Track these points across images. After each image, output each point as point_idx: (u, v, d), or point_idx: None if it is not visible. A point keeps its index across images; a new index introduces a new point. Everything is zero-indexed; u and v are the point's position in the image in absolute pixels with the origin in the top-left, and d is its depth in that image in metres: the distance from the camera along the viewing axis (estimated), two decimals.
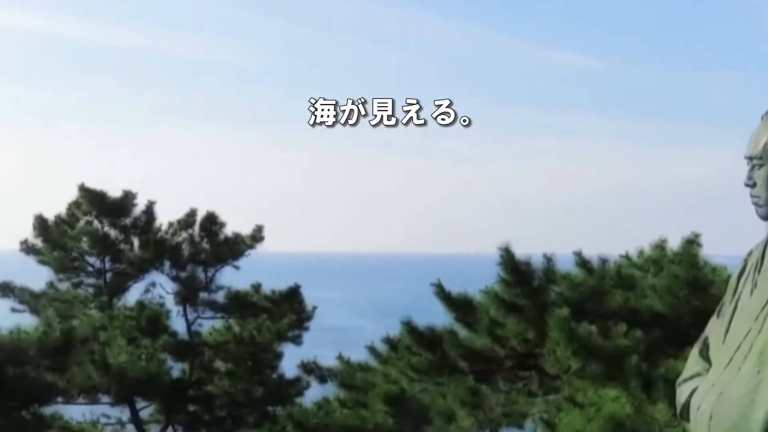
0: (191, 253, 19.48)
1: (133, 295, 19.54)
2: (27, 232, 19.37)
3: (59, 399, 15.87)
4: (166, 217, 19.79)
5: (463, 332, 11.49)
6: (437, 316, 11.76)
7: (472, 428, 11.07)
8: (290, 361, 19.58)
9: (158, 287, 19.46)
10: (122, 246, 19.47)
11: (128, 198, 19.31)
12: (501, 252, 10.82)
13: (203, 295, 19.40)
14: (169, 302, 19.16)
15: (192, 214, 19.67)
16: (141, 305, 18.47)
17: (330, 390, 15.41)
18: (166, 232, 19.61)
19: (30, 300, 19.63)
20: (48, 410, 15.84)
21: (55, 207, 19.62)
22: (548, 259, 11.11)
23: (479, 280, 11.73)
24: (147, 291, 19.47)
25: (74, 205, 19.37)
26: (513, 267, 10.80)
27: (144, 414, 18.55)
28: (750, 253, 2.91)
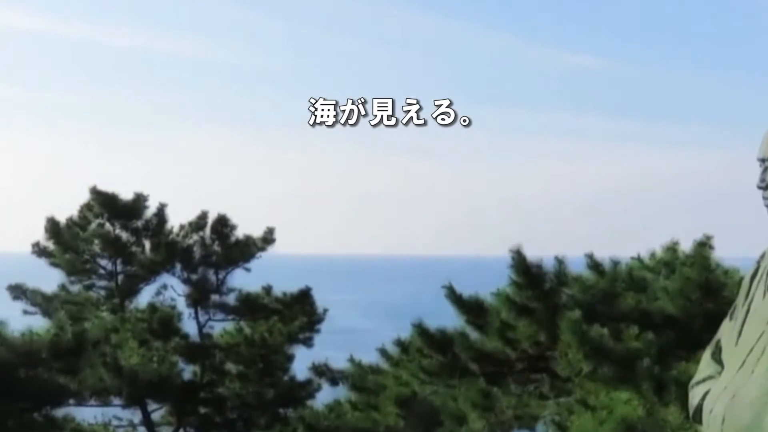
0: (202, 255, 19.54)
1: (145, 297, 19.64)
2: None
3: (71, 401, 15.93)
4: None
5: (474, 335, 11.47)
6: (447, 318, 11.75)
7: (483, 431, 11.05)
8: (301, 363, 19.58)
9: (170, 289, 19.55)
10: (134, 248, 19.54)
11: (140, 200, 19.39)
12: (512, 254, 10.80)
13: (214, 297, 19.46)
14: (181, 304, 19.24)
15: (203, 216, 19.74)
16: (152, 307, 18.51)
17: (341, 392, 15.38)
18: (178, 235, 19.67)
19: (42, 302, 19.73)
20: (60, 412, 15.91)
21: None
22: (560, 262, 11.08)
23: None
24: (158, 293, 19.54)
25: (86, 207, 19.44)
26: (524, 269, 10.78)
27: (155, 416, 18.59)
28: (763, 255, 2.88)
